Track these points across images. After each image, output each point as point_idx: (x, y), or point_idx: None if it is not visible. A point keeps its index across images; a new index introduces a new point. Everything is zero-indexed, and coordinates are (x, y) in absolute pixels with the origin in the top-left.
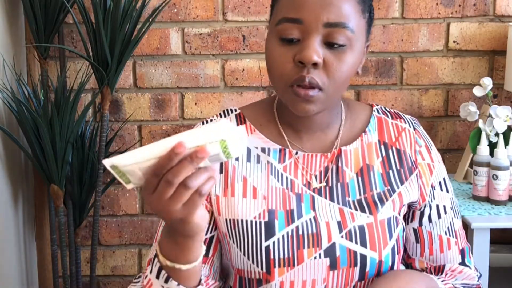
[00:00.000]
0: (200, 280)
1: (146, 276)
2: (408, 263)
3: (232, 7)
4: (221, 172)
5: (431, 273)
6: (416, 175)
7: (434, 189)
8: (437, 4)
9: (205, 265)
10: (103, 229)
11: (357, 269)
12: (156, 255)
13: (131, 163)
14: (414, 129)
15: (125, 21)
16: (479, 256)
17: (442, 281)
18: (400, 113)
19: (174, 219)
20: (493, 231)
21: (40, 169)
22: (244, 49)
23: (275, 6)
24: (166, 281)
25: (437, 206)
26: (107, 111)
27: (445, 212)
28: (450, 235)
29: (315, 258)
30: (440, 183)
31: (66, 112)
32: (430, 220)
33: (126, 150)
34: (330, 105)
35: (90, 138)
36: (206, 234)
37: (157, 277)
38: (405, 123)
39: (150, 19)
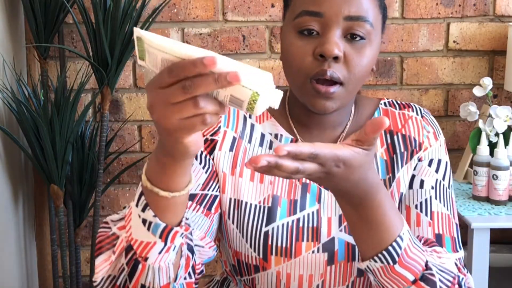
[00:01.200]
0: (181, 221)
1: (130, 206)
2: None
3: (232, 7)
4: (231, 150)
5: None
6: (418, 157)
7: (420, 161)
8: (437, 4)
9: (206, 218)
10: None
11: (355, 264)
12: (141, 184)
13: (157, 46)
14: (422, 116)
15: (125, 21)
16: (479, 256)
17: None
18: (411, 103)
19: (165, 127)
20: (493, 231)
21: (40, 169)
22: (244, 49)
23: (291, 1)
24: (143, 210)
25: (413, 176)
26: (107, 111)
27: (421, 187)
28: (422, 212)
29: (313, 252)
30: (432, 160)
31: (66, 112)
32: (399, 188)
33: (126, 150)
34: (348, 102)
35: (90, 138)
36: (213, 190)
37: (137, 204)
38: (413, 111)
39: (150, 19)
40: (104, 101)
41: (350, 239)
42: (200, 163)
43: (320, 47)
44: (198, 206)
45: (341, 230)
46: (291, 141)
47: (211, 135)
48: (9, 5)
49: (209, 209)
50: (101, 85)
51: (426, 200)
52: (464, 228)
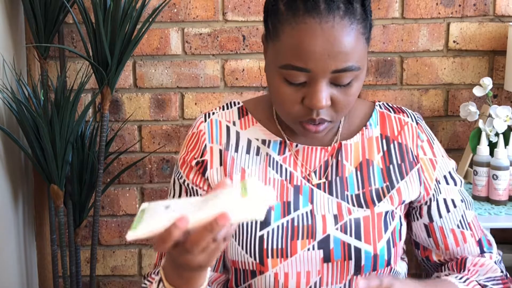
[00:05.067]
0: None
1: None
2: (425, 256)
3: (232, 7)
4: (220, 164)
5: (453, 270)
6: (418, 169)
7: (439, 183)
8: (437, 4)
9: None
10: (103, 229)
11: (352, 263)
12: (160, 279)
13: (151, 228)
14: (417, 123)
15: (125, 21)
16: None
17: (465, 280)
18: (403, 108)
19: (194, 266)
20: (493, 231)
21: (40, 169)
22: (244, 49)
23: (274, 35)
24: None
25: (445, 200)
26: (107, 111)
27: (455, 206)
28: (463, 228)
29: (308, 249)
30: (445, 177)
31: (66, 112)
32: (440, 215)
33: (126, 150)
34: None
35: (90, 138)
36: None
37: None
38: (408, 117)
39: (150, 19)
40: (104, 101)
41: (346, 238)
42: (191, 196)
43: (308, 99)
44: None
45: (337, 229)
46: (280, 143)
47: (201, 157)
48: (9, 5)
49: None
50: (101, 85)
51: (462, 216)
52: None
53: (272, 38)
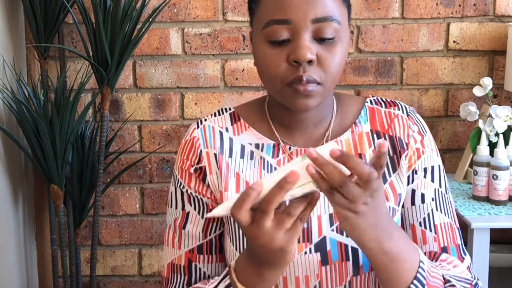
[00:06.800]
0: None
1: None
2: None
3: (232, 7)
4: (218, 168)
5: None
6: (405, 156)
7: (416, 173)
8: (437, 4)
9: (222, 264)
10: (103, 229)
11: (350, 264)
12: (230, 284)
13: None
14: (408, 115)
15: (125, 21)
16: (479, 256)
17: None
18: (396, 101)
19: (275, 248)
20: (493, 231)
21: (40, 169)
22: (244, 49)
23: (256, 9)
24: None
25: (413, 191)
26: (107, 111)
27: (423, 202)
28: (426, 228)
29: (305, 253)
30: (425, 169)
31: (66, 112)
32: (402, 205)
33: (126, 150)
34: (327, 97)
35: (90, 138)
36: (214, 232)
37: None
38: (399, 109)
39: (150, 19)
40: (104, 101)
41: (342, 239)
42: (195, 208)
43: (293, 53)
44: (211, 256)
45: (332, 230)
46: (273, 146)
47: (197, 163)
48: (9, 5)
49: (221, 252)
50: (101, 85)
51: (428, 214)
52: (464, 228)
53: (255, 10)
